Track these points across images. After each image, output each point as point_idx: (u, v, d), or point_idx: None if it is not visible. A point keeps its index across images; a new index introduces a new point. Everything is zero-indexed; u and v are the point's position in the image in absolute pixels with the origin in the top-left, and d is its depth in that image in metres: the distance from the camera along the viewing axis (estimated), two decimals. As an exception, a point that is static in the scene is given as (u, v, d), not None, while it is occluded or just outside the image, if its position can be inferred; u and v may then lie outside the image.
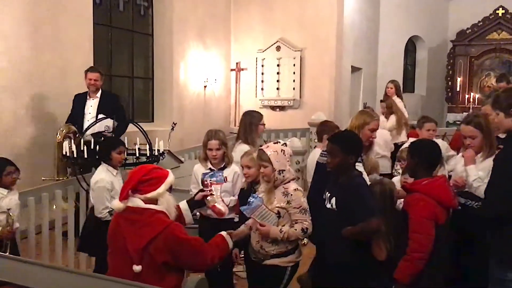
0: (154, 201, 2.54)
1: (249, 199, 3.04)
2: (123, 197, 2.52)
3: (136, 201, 2.51)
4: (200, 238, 2.69)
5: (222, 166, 3.77)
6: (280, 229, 2.96)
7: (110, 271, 2.57)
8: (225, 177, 3.74)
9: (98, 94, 5.51)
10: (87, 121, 5.36)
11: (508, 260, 2.71)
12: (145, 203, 2.52)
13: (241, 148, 4.22)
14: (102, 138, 4.72)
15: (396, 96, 7.22)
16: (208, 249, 2.63)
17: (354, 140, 3.19)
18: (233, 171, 3.77)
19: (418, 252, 2.84)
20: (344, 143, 3.07)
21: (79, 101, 5.55)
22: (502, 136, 3.98)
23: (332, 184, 3.13)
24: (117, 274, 2.38)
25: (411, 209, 2.93)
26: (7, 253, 3.39)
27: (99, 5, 7.49)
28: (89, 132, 4.93)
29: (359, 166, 3.35)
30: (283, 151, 3.05)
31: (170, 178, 2.62)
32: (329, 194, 3.09)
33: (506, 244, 2.72)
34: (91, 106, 5.47)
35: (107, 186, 3.78)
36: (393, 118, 6.52)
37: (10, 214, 3.57)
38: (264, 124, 4.67)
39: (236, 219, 3.62)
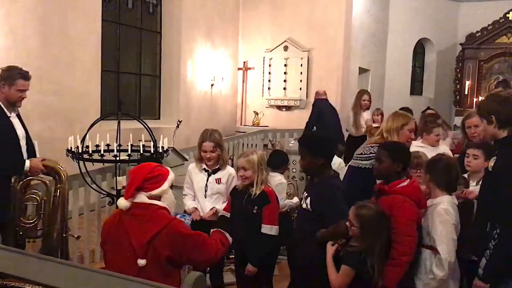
0: (158, 197, 2.56)
1: None
2: (129, 195, 2.53)
3: (141, 197, 2.53)
4: (204, 233, 2.67)
5: (216, 167, 3.74)
6: None
7: (109, 268, 2.56)
8: (219, 178, 3.71)
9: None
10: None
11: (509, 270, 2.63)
12: (149, 200, 2.55)
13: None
14: None
15: None
16: (212, 244, 2.64)
17: (322, 141, 3.13)
18: (227, 173, 3.73)
19: (406, 255, 2.80)
20: (311, 146, 3.02)
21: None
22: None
23: (309, 184, 3.12)
24: (118, 271, 2.38)
25: (397, 211, 2.85)
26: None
27: (107, 2, 7.52)
28: None
29: None
30: None
31: (172, 175, 2.67)
32: (305, 194, 3.07)
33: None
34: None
35: None
36: None
37: None
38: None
39: (227, 215, 3.61)
